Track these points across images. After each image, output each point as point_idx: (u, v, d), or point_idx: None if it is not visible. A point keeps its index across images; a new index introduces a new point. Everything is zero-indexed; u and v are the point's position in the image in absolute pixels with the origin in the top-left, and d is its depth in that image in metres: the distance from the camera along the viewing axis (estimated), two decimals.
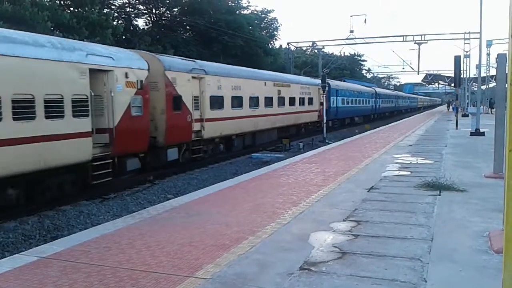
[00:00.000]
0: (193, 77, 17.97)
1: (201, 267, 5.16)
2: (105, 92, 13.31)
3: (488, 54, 47.84)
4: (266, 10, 59.65)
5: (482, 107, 38.59)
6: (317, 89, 33.01)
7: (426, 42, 46.55)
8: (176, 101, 16.75)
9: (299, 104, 30.15)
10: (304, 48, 57.50)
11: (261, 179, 11.13)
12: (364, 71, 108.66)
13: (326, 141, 27.91)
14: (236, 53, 47.49)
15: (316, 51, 54.97)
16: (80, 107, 12.17)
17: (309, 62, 66.72)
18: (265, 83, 24.96)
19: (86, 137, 12.40)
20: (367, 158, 14.47)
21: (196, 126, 18.17)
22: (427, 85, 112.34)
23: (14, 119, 10.32)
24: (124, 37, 39.29)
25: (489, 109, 48.10)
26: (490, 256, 5.38)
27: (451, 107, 66.36)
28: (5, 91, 10.04)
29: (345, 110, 41.48)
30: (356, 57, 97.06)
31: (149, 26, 47.67)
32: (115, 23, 36.20)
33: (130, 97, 14.17)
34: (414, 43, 46.90)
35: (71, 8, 31.89)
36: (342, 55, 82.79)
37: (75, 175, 12.61)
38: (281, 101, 26.96)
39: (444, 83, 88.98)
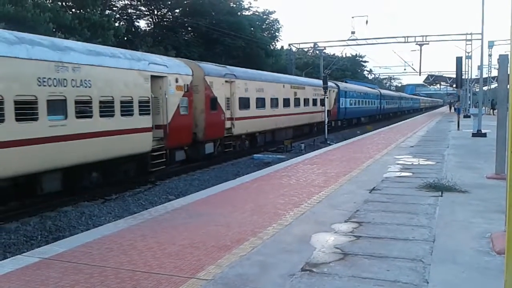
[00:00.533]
0: (226, 81, 20.62)
1: (202, 268, 5.15)
2: (161, 94, 15.89)
3: (490, 55, 47.78)
4: (267, 11, 59.67)
5: (484, 108, 38.52)
6: (328, 91, 34.32)
7: (428, 43, 46.53)
8: (212, 102, 19.39)
9: (312, 105, 32.61)
10: (305, 49, 57.53)
11: (262, 180, 11.13)
12: (365, 72, 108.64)
13: (328, 142, 27.91)
14: (238, 54, 47.53)
15: (317, 52, 54.96)
16: (144, 107, 14.79)
17: (310, 63, 66.69)
18: (283, 85, 27.66)
19: (148, 131, 15.08)
20: (368, 159, 14.46)
21: (227, 124, 20.78)
22: (428, 86, 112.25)
23: (101, 116, 13.02)
24: (125, 38, 39.34)
25: (491, 110, 48.01)
26: (492, 257, 5.37)
27: (453, 108, 65.78)
28: (95, 94, 12.80)
29: (353, 110, 43.63)
30: (357, 58, 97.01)
31: (150, 28, 47.78)
32: (116, 24, 36.26)
33: (179, 99, 16.83)
34: (416, 44, 46.89)
35: (73, 10, 31.96)
36: (344, 56, 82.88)
37: (137, 163, 15.16)
38: (297, 102, 29.44)
39: (446, 84, 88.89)
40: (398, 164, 13.43)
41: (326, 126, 30.49)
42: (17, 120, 10.54)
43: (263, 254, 5.62)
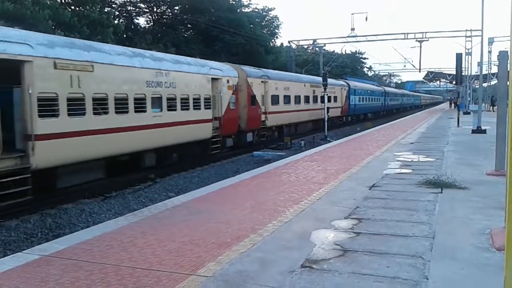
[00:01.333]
0: (261, 81, 24.80)
1: (202, 265, 5.16)
2: (217, 93, 20.14)
3: (490, 52, 47.63)
4: (267, 8, 59.60)
5: (483, 104, 38.52)
6: (340, 89, 40.42)
7: (427, 40, 46.44)
8: (252, 99, 23.70)
9: (327, 101, 34.84)
10: (305, 46, 57.46)
11: (262, 177, 11.13)
12: (365, 69, 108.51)
13: (328, 139, 27.91)
14: (238, 51, 47.48)
15: (317, 49, 54.87)
16: (207, 103, 19.08)
17: (310, 60, 66.57)
18: (304, 84, 32.26)
19: (209, 122, 19.36)
20: (368, 156, 14.47)
21: (262, 117, 24.92)
22: (428, 83, 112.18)
23: (182, 109, 17.30)
24: (125, 35, 39.28)
25: (491, 107, 48.01)
26: (492, 254, 5.38)
27: (453, 105, 64.75)
28: (178, 93, 17.07)
29: (361, 107, 48.01)
30: (357, 55, 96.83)
31: (150, 25, 47.68)
32: (116, 21, 36.18)
33: (229, 96, 21.16)
34: (416, 40, 46.81)
35: (72, 7, 31.90)
36: (344, 53, 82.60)
37: (201, 148, 19.27)
38: (315, 99, 33.88)
39: (446, 80, 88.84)
40: (398, 160, 13.43)
41: (326, 123, 30.50)
42: (135, 111, 14.72)
43: (263, 251, 5.63)
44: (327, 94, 31.15)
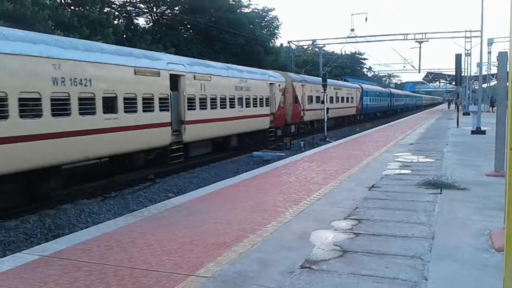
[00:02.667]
0: (301, 85, 31.09)
1: (202, 266, 5.16)
2: (272, 94, 26.01)
3: (489, 53, 47.65)
4: (267, 9, 59.61)
5: (483, 105, 38.53)
6: (355, 91, 46.37)
7: (427, 41, 46.50)
8: (296, 99, 30.00)
9: (345, 102, 42.24)
10: (305, 47, 57.41)
11: (262, 178, 11.13)
12: (365, 70, 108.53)
13: (327, 139, 27.92)
14: (237, 51, 47.45)
15: (317, 49, 54.92)
16: (267, 102, 25.11)
17: (310, 60, 66.59)
18: (330, 87, 36.81)
19: (268, 116, 25.36)
20: (368, 157, 14.47)
21: (301, 113, 31.08)
22: (428, 84, 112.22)
23: (253, 106, 23.33)
24: (125, 36, 39.26)
25: (490, 108, 48.02)
26: (491, 255, 5.38)
27: (460, 106, 64.03)
28: (251, 94, 22.97)
29: (372, 107, 54.21)
30: (357, 55, 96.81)
31: (150, 25, 47.65)
32: (116, 22, 36.17)
33: (280, 97, 27.23)
34: (415, 41, 46.88)
35: (72, 7, 31.89)
36: (343, 53, 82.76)
37: (261, 136, 24.79)
38: (337, 100, 39.59)
39: (445, 81, 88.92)
40: (397, 161, 13.44)
41: (325, 123, 30.53)
42: (230, 107, 20.88)
43: (263, 251, 5.63)
44: (327, 94, 31.46)
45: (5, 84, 10.45)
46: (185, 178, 16.42)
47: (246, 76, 23.11)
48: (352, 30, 46.90)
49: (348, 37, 47.90)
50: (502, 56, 11.27)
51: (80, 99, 12.37)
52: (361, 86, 49.78)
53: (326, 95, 31.84)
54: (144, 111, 14.88)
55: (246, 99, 22.63)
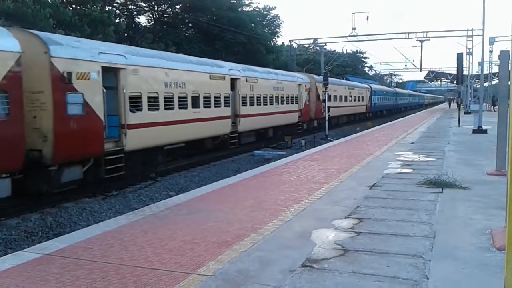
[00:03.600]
0: (323, 85, 32.53)
1: (203, 264, 5.17)
2: (300, 93, 30.73)
3: (491, 51, 47.49)
4: (268, 7, 59.41)
5: (484, 104, 38.46)
6: (365, 91, 51.04)
7: (429, 39, 46.37)
8: (318, 97, 33.85)
9: (357, 100, 47.22)
10: (306, 46, 57.36)
11: (263, 177, 11.13)
12: (366, 68, 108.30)
13: (328, 138, 27.91)
14: (238, 50, 47.42)
15: (318, 48, 54.81)
16: (295, 100, 29.79)
17: (311, 59, 66.48)
18: (344, 87, 43.12)
19: (296, 112, 30.01)
20: (369, 156, 14.46)
21: (322, 110, 34.13)
22: (429, 83, 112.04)
23: (285, 103, 27.84)
24: (126, 34, 39.25)
25: (492, 107, 47.93)
26: (493, 254, 5.38)
27: (469, 105, 62.20)
28: (284, 94, 27.79)
29: (379, 105, 58.64)
30: (358, 54, 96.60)
31: (151, 24, 47.60)
32: (117, 20, 36.07)
33: (306, 95, 31.89)
34: (417, 40, 46.72)
35: (73, 6, 31.87)
36: (344, 52, 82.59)
37: (291, 129, 28.85)
38: (350, 99, 44.41)
39: (447, 80, 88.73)
40: (398, 160, 13.43)
41: (327, 122, 30.50)
42: (269, 104, 25.48)
43: (264, 250, 5.63)
44: (328, 93, 31.52)
45: (141, 87, 14.94)
46: (186, 176, 16.43)
47: (281, 78, 28.30)
48: (354, 29, 46.80)
49: (349, 36, 47.82)
50: (504, 55, 11.25)
51: (179, 97, 17.00)
52: (370, 86, 54.34)
53: (338, 94, 38.09)
54: (215, 106, 19.65)
55: (281, 97, 27.43)
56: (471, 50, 46.97)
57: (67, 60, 12.01)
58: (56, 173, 11.68)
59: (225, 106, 20.36)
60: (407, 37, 46.87)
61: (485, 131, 21.63)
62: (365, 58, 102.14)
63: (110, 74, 13.73)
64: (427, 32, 46.31)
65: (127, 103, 14.20)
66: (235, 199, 8.61)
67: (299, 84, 30.85)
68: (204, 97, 18.72)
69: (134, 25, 45.09)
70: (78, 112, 12.30)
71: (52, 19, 25.21)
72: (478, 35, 40.17)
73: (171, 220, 7.14)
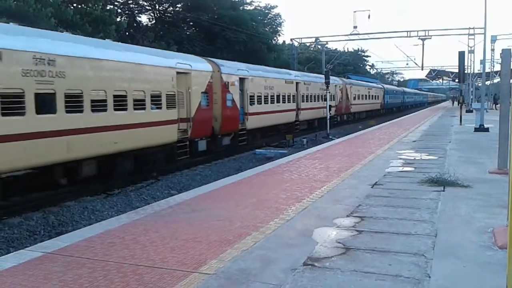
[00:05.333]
0: (350, 86, 42.05)
1: (205, 263, 5.17)
2: (335, 93, 37.64)
3: (493, 50, 47.51)
4: (269, 6, 59.69)
5: (487, 102, 38.41)
6: (380, 91, 59.24)
7: (430, 38, 46.29)
8: (347, 96, 41.46)
9: (374, 99, 54.69)
10: (307, 44, 57.32)
11: (264, 175, 11.13)
12: (367, 67, 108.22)
13: (330, 137, 27.89)
14: (240, 49, 47.42)
15: (319, 47, 54.83)
16: (333, 98, 36.09)
17: (312, 58, 66.53)
18: (366, 88, 51.23)
19: (333, 107, 35.31)
20: (370, 154, 14.45)
21: (350, 107, 43.23)
22: (431, 81, 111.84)
23: (313, 101, 33.33)
24: (127, 33, 39.27)
25: (494, 105, 47.83)
26: (494, 252, 5.37)
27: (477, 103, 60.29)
28: (311, 93, 32.96)
29: (390, 103, 66.15)
30: (359, 53, 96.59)
31: (152, 22, 47.67)
32: (118, 19, 36.15)
33: (340, 94, 39.31)
34: (418, 38, 46.66)
35: (75, 5, 31.90)
36: (346, 50, 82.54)
37: (322, 122, 32.77)
38: (369, 97, 52.08)
39: (448, 78, 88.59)
40: (400, 159, 13.42)
41: (328, 121, 30.49)
42: (314, 101, 33.40)
43: (265, 249, 5.64)
44: (329, 92, 31.66)
45: (254, 89, 23.60)
46: (187, 175, 16.44)
47: (310, 79, 33.88)
48: (355, 27, 46.72)
49: (351, 34, 47.77)
50: (506, 53, 11.21)
51: (270, 96, 25.40)
52: (383, 87, 64.03)
53: (354, 93, 45.37)
54: (287, 102, 28.02)
55: (308, 96, 32.61)
56: (473, 49, 46.98)
57: (226, 74, 20.68)
58: (220, 139, 20.46)
59: (292, 102, 29.02)
60: (408, 35, 46.81)
61: (487, 130, 21.60)
62: (367, 56, 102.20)
63: (240, 81, 22.20)
64: (428, 30, 46.33)
65: (248, 99, 22.92)
66: (237, 197, 8.62)
67: (335, 85, 38.10)
68: (282, 96, 27.19)
69: (135, 24, 45.12)
70: (230, 105, 20.87)
71: (53, 18, 25.26)
72: (480, 33, 40.14)
73: (173, 218, 7.15)
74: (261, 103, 24.39)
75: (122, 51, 14.86)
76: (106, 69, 13.30)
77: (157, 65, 15.76)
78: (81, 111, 12.27)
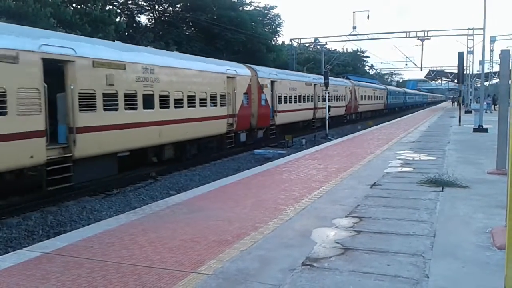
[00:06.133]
0: (357, 88, 46.02)
1: (203, 263, 5.17)
2: (346, 93, 42.77)
3: (492, 50, 47.53)
4: (269, 6, 59.50)
5: (485, 103, 38.40)
6: (384, 92, 63.25)
7: (429, 38, 46.39)
8: (355, 97, 45.46)
9: (377, 100, 58.36)
10: (307, 45, 57.38)
11: (263, 176, 11.13)
12: (367, 68, 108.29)
13: (329, 137, 27.89)
14: (239, 49, 47.43)
15: (318, 47, 54.85)
16: (345, 97, 42.52)
17: (311, 58, 66.56)
18: (372, 89, 55.36)
19: (344, 107, 42.21)
20: (369, 155, 14.46)
21: (357, 107, 47.75)
22: (430, 82, 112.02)
23: (335, 100, 38.91)
24: (126, 33, 39.24)
25: (492, 106, 47.86)
26: (493, 253, 5.38)
27: (485, 103, 58.24)
28: (339, 94, 40.85)
29: (393, 103, 70.11)
30: (359, 53, 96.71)
31: (151, 23, 47.62)
32: (117, 19, 36.09)
33: (349, 95, 43.71)
34: (417, 39, 46.76)
35: (74, 5, 31.87)
36: (345, 51, 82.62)
37: (338, 119, 39.33)
38: (374, 98, 56.09)
39: (447, 79, 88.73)
40: (399, 159, 13.43)
41: (327, 121, 30.50)
42: (334, 100, 38.06)
43: (264, 249, 5.63)
44: (328, 93, 31.59)
45: (281, 91, 27.34)
46: (186, 175, 16.43)
47: (336, 83, 39.42)
48: (354, 28, 46.72)
49: (350, 35, 47.79)
50: (504, 54, 11.23)
51: (293, 96, 29.35)
52: (387, 88, 68.39)
53: (361, 94, 49.03)
54: (307, 101, 31.89)
55: (337, 96, 39.02)
56: (472, 49, 47.02)
57: (261, 78, 24.72)
58: (256, 133, 24.42)
59: (311, 101, 33.00)
60: (407, 36, 46.86)
61: (485, 130, 21.62)
62: (366, 57, 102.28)
63: (271, 84, 26.00)
64: (427, 31, 46.41)
65: (277, 99, 26.71)
66: (236, 198, 8.61)
67: (345, 87, 42.62)
68: (303, 96, 31.25)
69: (134, 24, 45.09)
70: (264, 104, 24.80)
71: (52, 18, 25.23)
72: (479, 34, 40.18)
73: (171, 219, 7.15)
74: (286, 103, 28.29)
75: (191, 60, 19.37)
76: (182, 75, 17.36)
77: (214, 71, 19.87)
78: (168, 107, 16.25)
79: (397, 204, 7.85)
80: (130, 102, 14.32)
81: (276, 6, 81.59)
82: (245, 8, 53.38)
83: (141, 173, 15.73)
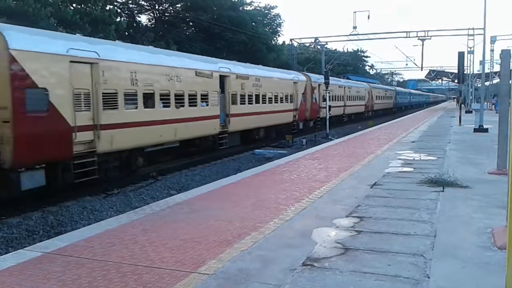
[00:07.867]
0: (373, 89, 56.20)
1: (204, 263, 5.17)
2: (365, 94, 51.61)
3: (492, 50, 47.44)
4: (269, 6, 59.61)
5: (486, 103, 38.44)
6: (393, 92, 70.56)
7: (430, 38, 46.24)
8: (371, 97, 54.55)
9: (388, 99, 65.97)
10: (307, 44, 57.34)
11: (264, 175, 11.13)
12: (367, 67, 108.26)
13: (329, 137, 27.89)
14: (239, 49, 47.42)
15: (319, 47, 54.85)
16: (363, 98, 50.73)
17: (312, 58, 66.51)
18: (383, 90, 62.82)
19: (363, 106, 50.97)
20: (370, 155, 14.46)
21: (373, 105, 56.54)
22: (430, 81, 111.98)
23: (351, 100, 46.01)
24: (127, 33, 39.24)
25: (493, 106, 47.84)
26: (494, 253, 5.38)
27: (492, 103, 52.66)
28: (357, 96, 48.91)
29: (400, 103, 76.84)
30: (359, 53, 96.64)
31: (152, 22, 47.65)
32: (118, 19, 36.07)
33: (368, 95, 52.88)
34: (418, 39, 46.59)
35: (74, 4, 31.86)
36: (345, 51, 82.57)
37: (358, 115, 48.23)
38: (386, 98, 63.67)
39: (448, 79, 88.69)
40: (399, 159, 13.42)
41: (327, 121, 30.49)
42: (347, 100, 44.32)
43: (265, 249, 5.63)
44: (327, 92, 31.55)
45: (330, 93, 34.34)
46: (187, 175, 16.43)
47: (349, 84, 45.14)
48: (355, 27, 46.64)
49: (350, 35, 47.76)
50: (505, 54, 11.23)
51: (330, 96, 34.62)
52: (395, 89, 76.77)
53: (368, 93, 53.17)
54: (337, 100, 38.59)
55: (352, 96, 44.59)
56: (472, 49, 46.95)
57: (313, 82, 33.37)
58: (308, 123, 33.01)
59: (341, 101, 40.77)
60: (408, 36, 46.74)
61: (486, 130, 21.61)
62: (366, 57, 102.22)
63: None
64: (428, 31, 46.27)
65: (321, 98, 33.72)
66: (236, 198, 8.62)
67: (364, 89, 50.41)
68: (337, 96, 38.84)
69: (135, 24, 45.10)
70: (314, 101, 33.61)
71: (53, 18, 25.24)
72: (479, 34, 40.11)
73: (172, 218, 7.15)
74: (331, 100, 34.62)
75: (274, 72, 29.36)
76: (270, 81, 26.20)
77: (287, 79, 29.30)
78: (264, 103, 25.24)
79: (397, 204, 7.85)
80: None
81: (276, 6, 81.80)
82: (245, 8, 53.43)
83: (142, 173, 15.73)
